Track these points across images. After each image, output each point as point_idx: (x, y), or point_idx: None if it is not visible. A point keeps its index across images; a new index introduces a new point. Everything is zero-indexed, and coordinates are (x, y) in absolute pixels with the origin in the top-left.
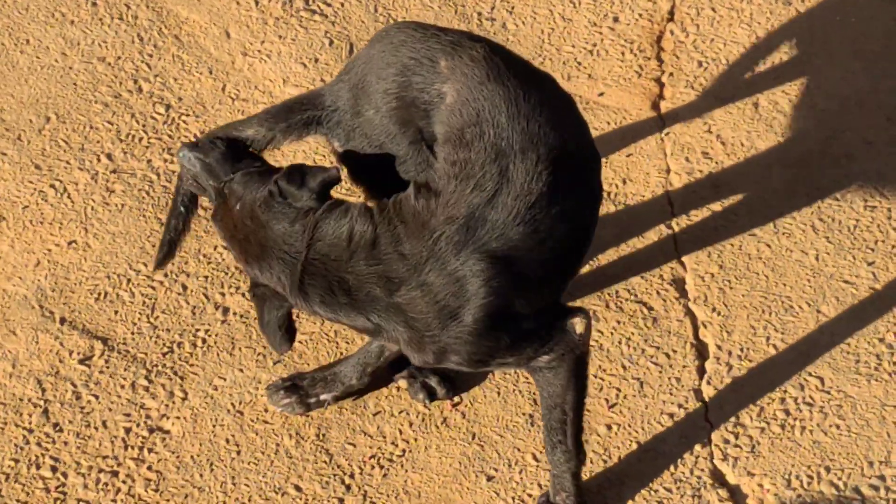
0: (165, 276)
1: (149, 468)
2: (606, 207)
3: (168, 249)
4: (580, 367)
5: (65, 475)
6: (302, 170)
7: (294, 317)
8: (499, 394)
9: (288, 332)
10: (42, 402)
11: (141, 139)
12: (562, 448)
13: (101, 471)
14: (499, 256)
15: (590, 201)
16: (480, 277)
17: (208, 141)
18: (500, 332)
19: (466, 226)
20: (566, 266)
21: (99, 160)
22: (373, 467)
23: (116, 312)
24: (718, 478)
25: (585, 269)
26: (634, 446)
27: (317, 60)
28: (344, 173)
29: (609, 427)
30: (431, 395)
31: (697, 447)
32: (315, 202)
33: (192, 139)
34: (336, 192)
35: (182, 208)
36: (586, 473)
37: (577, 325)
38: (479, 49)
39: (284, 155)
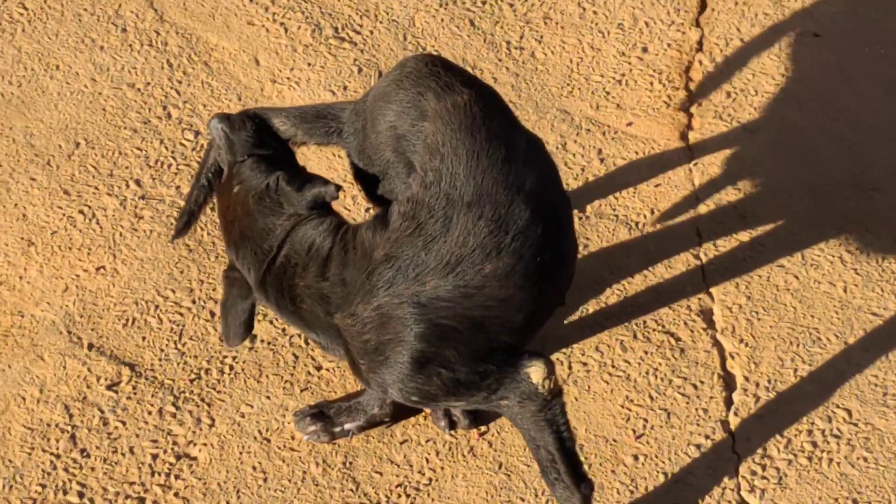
0: (193, 302)
1: (175, 495)
2: (634, 237)
3: (187, 220)
4: (551, 412)
5: (91, 501)
6: (305, 177)
7: (256, 312)
8: None
9: (245, 325)
10: (69, 428)
11: (170, 165)
12: (561, 485)
13: (127, 497)
14: (423, 303)
15: (543, 265)
16: (402, 321)
17: (240, 118)
18: (429, 377)
19: (399, 266)
20: (510, 321)
21: (128, 186)
22: (399, 496)
23: (144, 338)
24: None
25: (613, 298)
26: (661, 477)
27: (345, 88)
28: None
29: (636, 458)
30: (452, 424)
31: (724, 479)
32: (304, 209)
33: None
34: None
35: (206, 181)
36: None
37: (533, 374)
38: (464, 96)
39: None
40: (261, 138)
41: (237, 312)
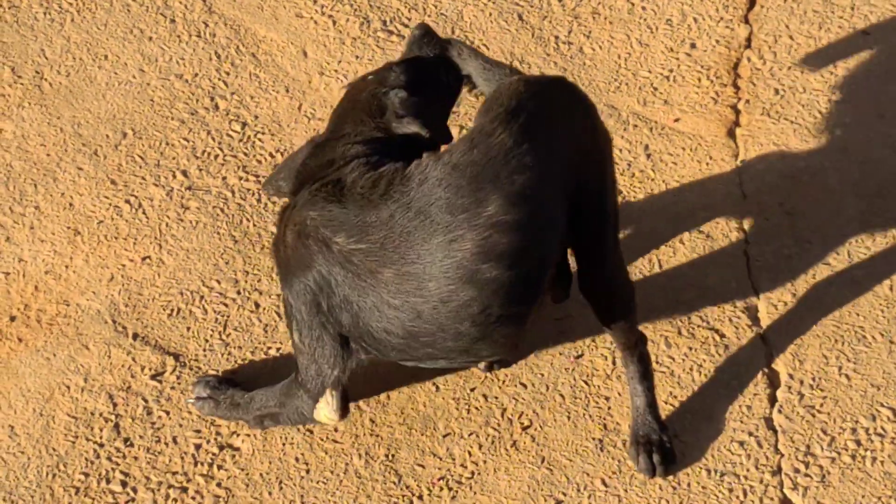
0: (238, 293)
1: (218, 485)
2: (680, 233)
3: None
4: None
5: (134, 490)
6: (419, 108)
7: None
8: (569, 418)
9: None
10: (113, 417)
11: (216, 156)
12: None
13: (170, 486)
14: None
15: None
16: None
17: (438, 40)
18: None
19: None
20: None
21: (174, 177)
22: (441, 489)
23: (189, 329)
24: None
25: (658, 294)
26: (704, 474)
27: None
28: None
29: (681, 454)
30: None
31: (767, 475)
32: (382, 132)
33: (268, 158)
34: None
35: None
36: (657, 500)
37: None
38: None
39: None
40: (436, 66)
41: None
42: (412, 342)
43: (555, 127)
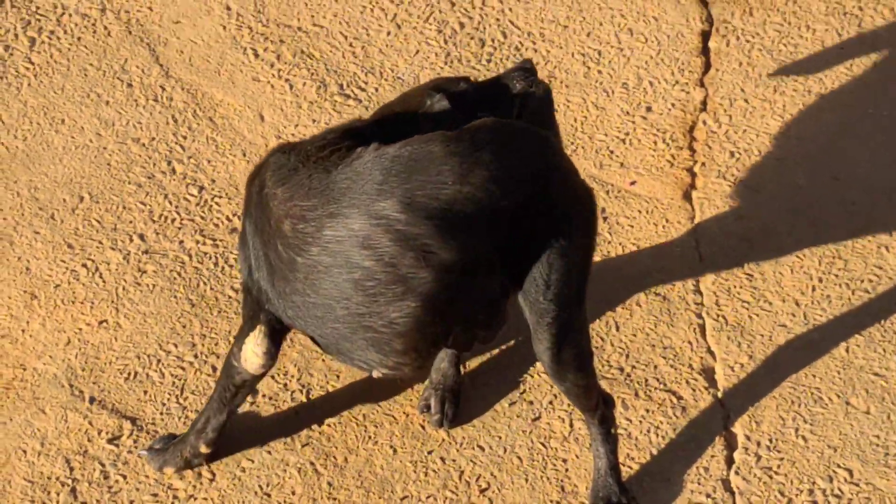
0: (195, 357)
1: None
2: (636, 295)
3: None
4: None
5: None
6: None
7: None
8: (526, 480)
9: None
10: (70, 481)
11: (174, 220)
12: None
13: None
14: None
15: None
16: None
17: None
18: None
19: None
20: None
21: (131, 240)
22: None
23: (146, 392)
24: None
25: (615, 356)
26: None
27: None
28: None
29: None
30: (429, 410)
31: None
32: (399, 121)
33: (225, 221)
34: None
35: None
36: None
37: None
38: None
39: None
40: (504, 96)
41: None
42: (295, 297)
43: (503, 168)
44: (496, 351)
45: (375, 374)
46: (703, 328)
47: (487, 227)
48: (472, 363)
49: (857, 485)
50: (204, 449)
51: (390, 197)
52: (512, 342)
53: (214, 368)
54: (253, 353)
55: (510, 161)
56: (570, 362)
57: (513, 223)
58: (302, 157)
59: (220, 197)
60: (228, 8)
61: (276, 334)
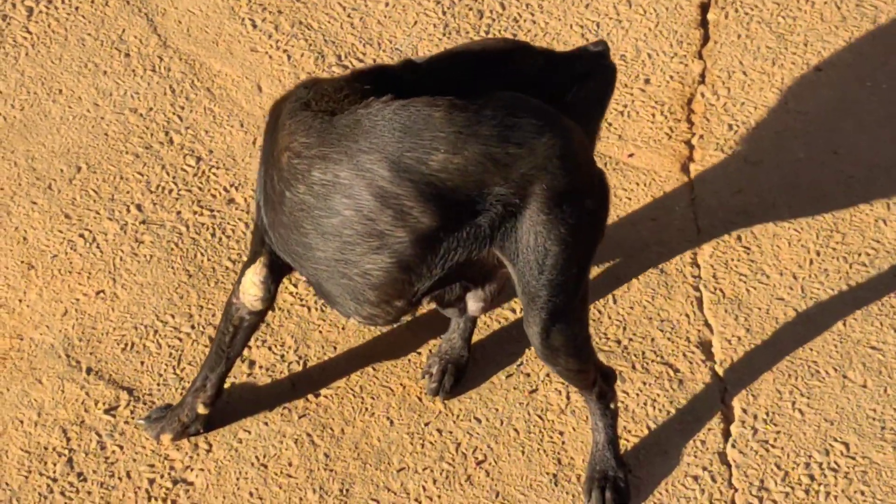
0: (192, 328)
1: None
2: (634, 267)
3: None
4: None
5: None
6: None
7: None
8: (523, 452)
9: None
10: (67, 452)
11: (171, 191)
12: None
13: None
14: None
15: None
16: None
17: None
18: None
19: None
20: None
21: (128, 211)
22: None
23: (143, 363)
24: None
25: (612, 329)
26: None
27: None
28: None
29: (635, 489)
30: (434, 381)
31: None
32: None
33: (222, 192)
34: None
35: None
36: None
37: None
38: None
39: None
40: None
41: None
42: (280, 230)
43: (501, 146)
44: (493, 323)
45: (352, 320)
46: (700, 301)
47: (476, 201)
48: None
49: (854, 458)
50: (202, 409)
51: (379, 153)
52: (509, 314)
53: (211, 339)
54: (251, 282)
55: (511, 139)
56: (561, 348)
57: (506, 202)
58: (317, 95)
59: (218, 168)
60: None
61: (276, 269)
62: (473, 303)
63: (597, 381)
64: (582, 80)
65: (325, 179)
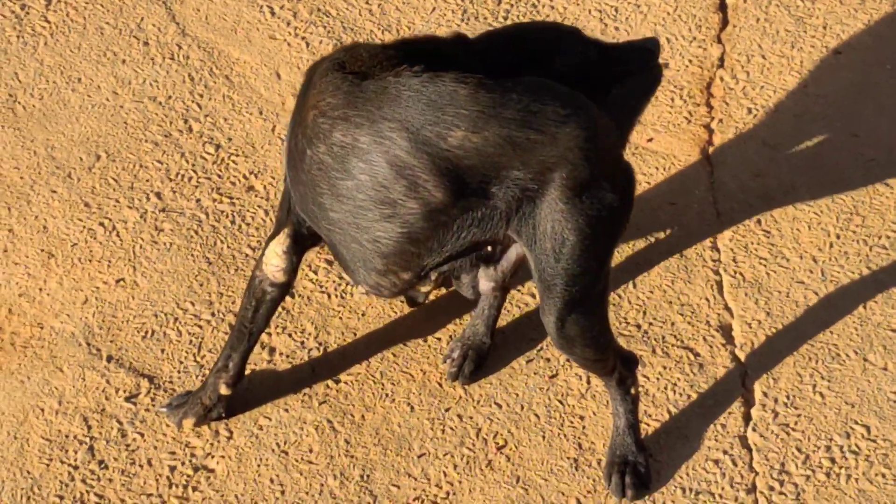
0: (213, 315)
1: None
2: (654, 252)
3: None
4: None
5: None
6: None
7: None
8: (543, 437)
9: None
10: (88, 440)
11: (190, 178)
12: None
13: None
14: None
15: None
16: None
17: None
18: None
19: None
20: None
21: (148, 199)
22: None
23: (163, 351)
24: None
25: (633, 313)
26: (679, 492)
27: None
28: None
29: (656, 472)
30: (454, 366)
31: (742, 494)
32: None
33: (241, 180)
34: None
35: None
36: None
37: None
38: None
39: None
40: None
41: None
42: (299, 188)
43: (523, 132)
44: (514, 309)
45: (359, 290)
46: (720, 285)
47: (492, 182)
48: None
49: (875, 441)
50: (224, 390)
51: (400, 122)
52: (529, 300)
53: (231, 326)
54: (273, 252)
55: (533, 125)
56: (577, 338)
57: (524, 187)
58: (352, 58)
59: (237, 155)
60: None
61: (300, 240)
62: (485, 282)
63: (616, 368)
64: (627, 76)
65: (345, 142)
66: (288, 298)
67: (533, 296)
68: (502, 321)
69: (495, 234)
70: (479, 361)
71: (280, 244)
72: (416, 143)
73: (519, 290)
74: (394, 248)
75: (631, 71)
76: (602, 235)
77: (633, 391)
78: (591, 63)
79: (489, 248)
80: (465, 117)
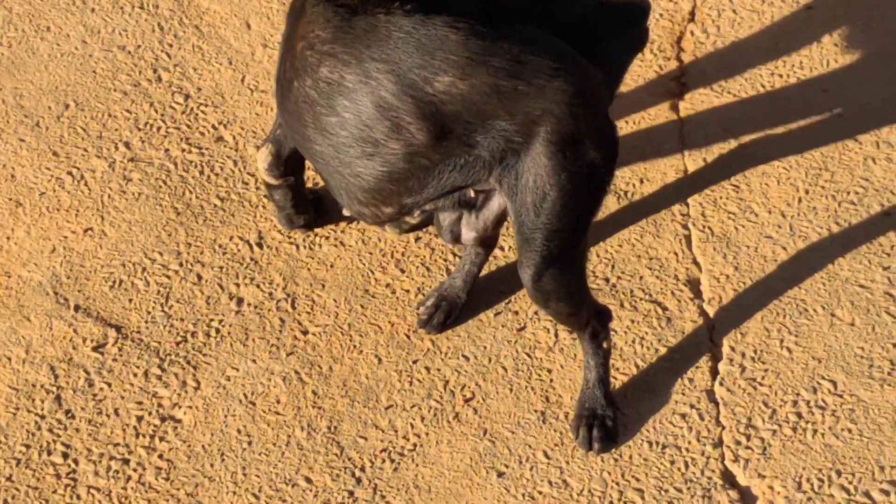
0: (180, 265)
1: (160, 457)
2: (623, 206)
3: None
4: None
5: (76, 462)
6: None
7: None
8: (511, 390)
9: None
10: (55, 389)
11: (159, 128)
12: None
13: (112, 458)
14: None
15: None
16: None
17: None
18: None
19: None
20: None
21: (117, 148)
22: (383, 461)
23: (131, 301)
24: (729, 479)
25: (601, 267)
26: (646, 446)
27: None
28: None
29: (623, 426)
30: (425, 314)
31: (709, 448)
32: None
33: (211, 130)
34: None
35: None
36: (598, 472)
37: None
38: None
39: None
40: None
41: None
42: (285, 115)
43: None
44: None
45: (344, 212)
46: (688, 239)
47: (476, 130)
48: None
49: (841, 396)
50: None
51: (386, 63)
52: (498, 252)
53: (199, 277)
54: (260, 160)
55: (521, 76)
56: (552, 292)
57: (509, 138)
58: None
59: (206, 105)
60: None
61: (283, 153)
62: (466, 231)
63: (590, 322)
64: (619, 31)
65: (332, 78)
66: (256, 249)
67: (502, 248)
68: None
69: (477, 180)
70: (450, 314)
71: (264, 159)
72: (402, 86)
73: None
74: (374, 184)
75: (622, 27)
76: (584, 192)
77: (605, 345)
78: (587, 16)
79: (472, 194)
80: (454, 63)
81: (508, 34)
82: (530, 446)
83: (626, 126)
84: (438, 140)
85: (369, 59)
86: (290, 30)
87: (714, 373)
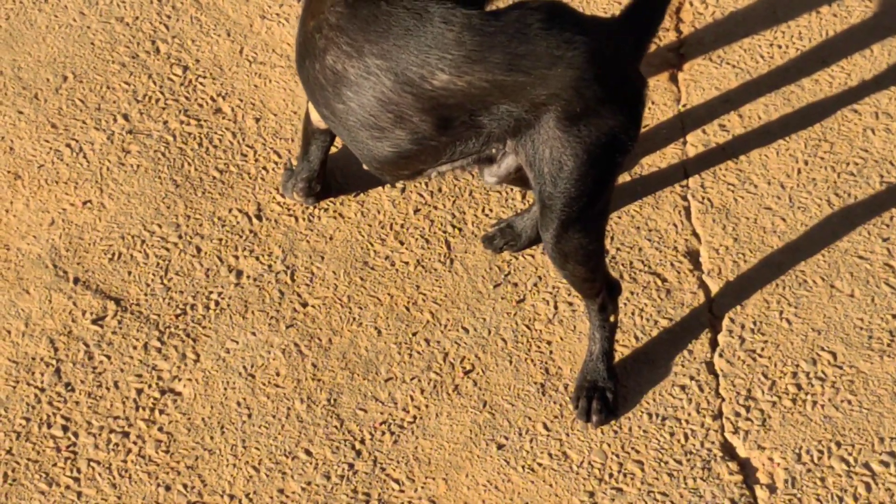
0: (179, 237)
1: (160, 429)
2: (622, 179)
3: None
4: None
5: (76, 435)
6: None
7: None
8: (510, 362)
9: None
10: (54, 362)
11: (158, 100)
12: None
13: (111, 431)
14: None
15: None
16: None
17: None
18: None
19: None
20: None
21: (115, 120)
22: (383, 433)
23: (130, 273)
24: (729, 451)
25: None
26: (645, 418)
27: None
28: None
29: (622, 398)
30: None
31: (709, 419)
32: None
33: (209, 102)
34: None
35: None
36: (598, 444)
37: None
38: None
39: None
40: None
41: None
42: (307, 88)
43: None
44: (480, 232)
45: (364, 166)
46: (688, 211)
47: (483, 115)
48: (459, 246)
49: (841, 367)
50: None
51: (385, 60)
52: (496, 223)
53: (199, 249)
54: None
55: (521, 68)
56: (571, 253)
57: (518, 116)
58: None
59: (205, 77)
60: None
61: None
62: (488, 176)
63: (601, 292)
64: None
65: (336, 68)
66: (255, 221)
67: (500, 216)
68: (469, 246)
69: (492, 150)
70: (511, 245)
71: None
72: (401, 84)
73: (486, 215)
74: (387, 159)
75: None
76: (602, 159)
77: (612, 319)
78: None
79: (491, 152)
80: (451, 61)
81: (506, 24)
82: (530, 418)
83: None
84: (443, 128)
85: (369, 54)
86: (311, 4)
87: (714, 344)
